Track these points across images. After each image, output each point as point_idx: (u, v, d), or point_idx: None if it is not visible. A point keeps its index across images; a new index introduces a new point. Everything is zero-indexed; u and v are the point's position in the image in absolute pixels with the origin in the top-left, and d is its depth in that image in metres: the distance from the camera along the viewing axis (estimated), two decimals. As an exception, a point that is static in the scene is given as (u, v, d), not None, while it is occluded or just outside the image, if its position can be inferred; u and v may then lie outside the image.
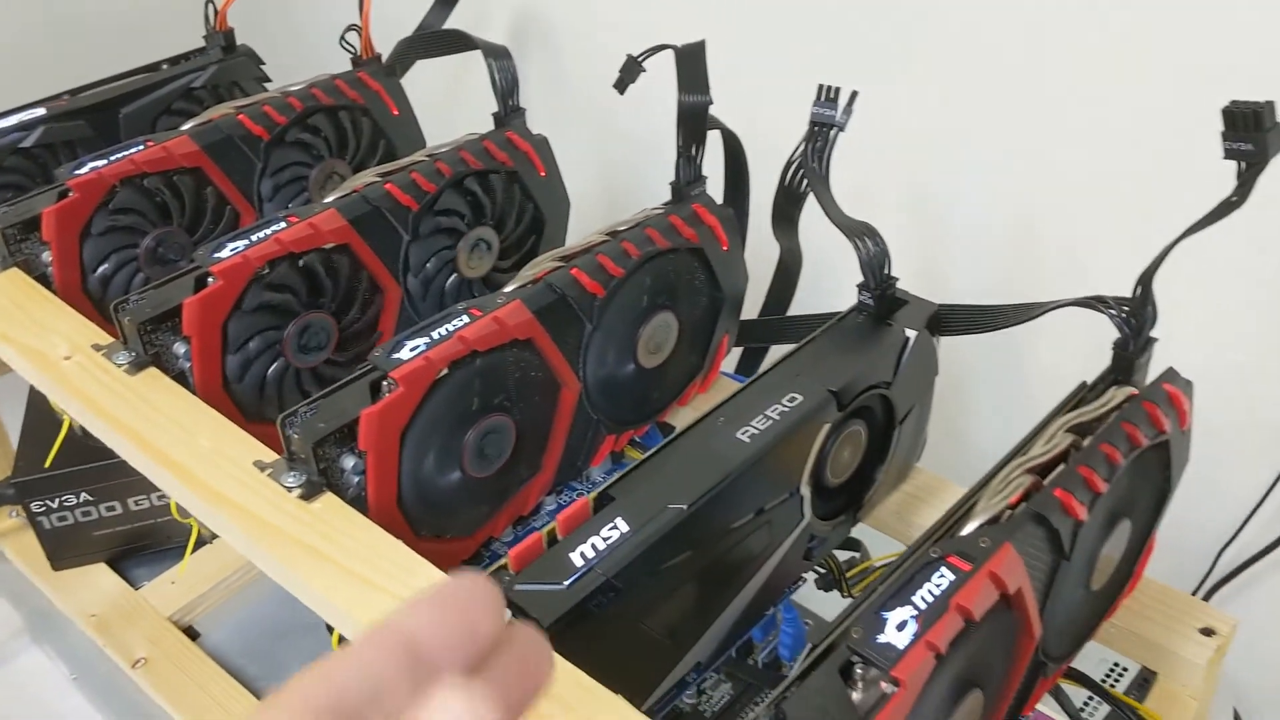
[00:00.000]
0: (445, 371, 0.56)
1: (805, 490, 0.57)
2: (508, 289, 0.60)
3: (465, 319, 0.58)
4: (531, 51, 1.03)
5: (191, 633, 0.85)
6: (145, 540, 0.89)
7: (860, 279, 0.62)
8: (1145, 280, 0.52)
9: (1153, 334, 0.55)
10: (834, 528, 0.61)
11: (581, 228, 0.83)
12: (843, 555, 0.67)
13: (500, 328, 0.58)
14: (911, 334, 0.60)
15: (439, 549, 0.60)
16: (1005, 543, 0.45)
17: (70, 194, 0.69)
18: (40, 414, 0.87)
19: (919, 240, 0.85)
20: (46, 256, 0.70)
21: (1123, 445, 0.50)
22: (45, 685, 0.88)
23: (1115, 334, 0.55)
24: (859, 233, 0.61)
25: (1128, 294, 0.53)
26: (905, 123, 0.80)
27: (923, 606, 0.42)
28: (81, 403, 0.59)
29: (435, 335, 0.56)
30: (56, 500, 0.83)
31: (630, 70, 0.69)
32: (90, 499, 0.85)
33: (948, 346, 0.63)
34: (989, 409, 0.86)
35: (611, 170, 1.04)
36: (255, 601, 0.87)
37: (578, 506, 0.49)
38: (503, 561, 0.47)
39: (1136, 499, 0.53)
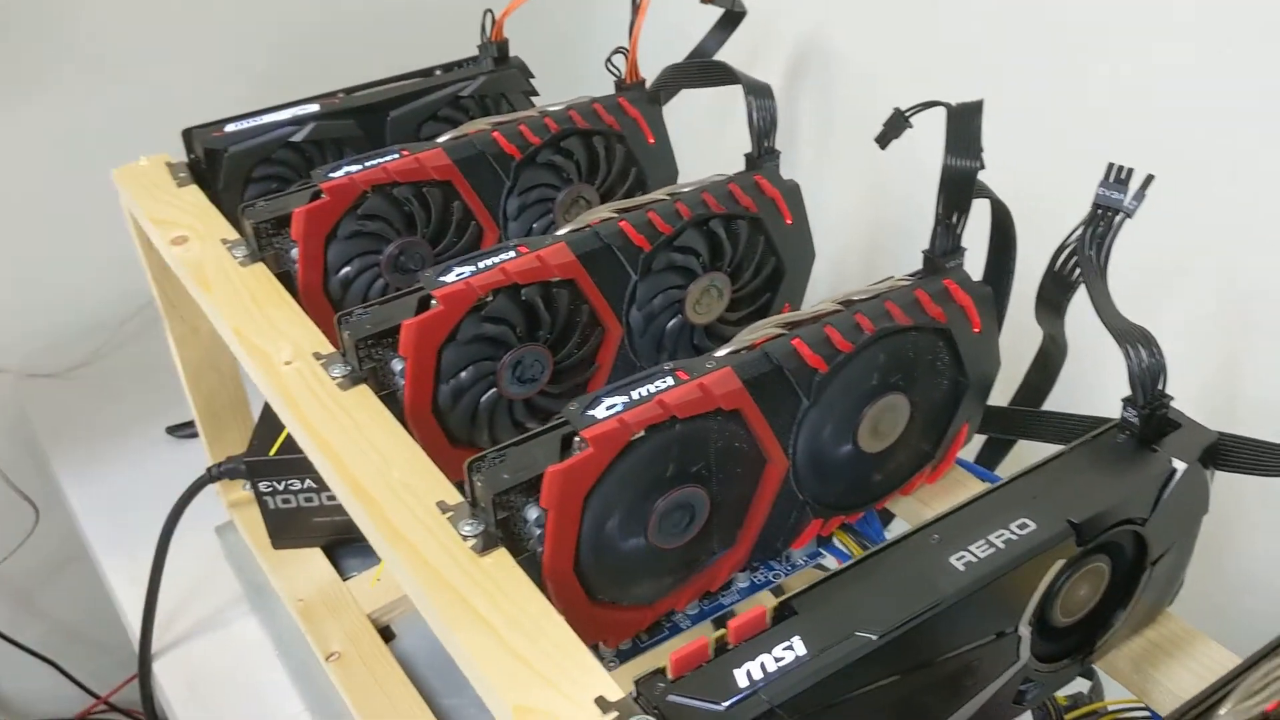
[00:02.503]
0: (641, 434, 0.53)
1: (1025, 630, 0.49)
2: (719, 353, 0.56)
3: (670, 380, 0.54)
4: (806, 86, 0.98)
5: (387, 633, 0.86)
6: (359, 533, 0.90)
7: (1123, 387, 0.54)
8: None
9: None
10: (1055, 671, 0.53)
11: (832, 281, 0.78)
12: (1070, 687, 0.59)
13: (705, 395, 0.53)
14: (1180, 466, 0.52)
15: (615, 616, 0.57)
16: (1257, 763, 0.37)
17: (322, 196, 0.71)
18: (280, 397, 0.90)
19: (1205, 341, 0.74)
20: (294, 254, 0.72)
21: None
22: (254, 654, 0.92)
23: None
24: (1133, 339, 0.53)
25: None
26: (1212, 206, 0.70)
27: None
28: (291, 410, 0.59)
29: (635, 395, 0.53)
30: (283, 483, 0.86)
31: (895, 124, 0.63)
32: (314, 486, 0.87)
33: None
34: (1264, 554, 0.74)
35: (871, 224, 0.98)
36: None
37: (753, 615, 0.44)
38: (661, 665, 0.43)
39: None
